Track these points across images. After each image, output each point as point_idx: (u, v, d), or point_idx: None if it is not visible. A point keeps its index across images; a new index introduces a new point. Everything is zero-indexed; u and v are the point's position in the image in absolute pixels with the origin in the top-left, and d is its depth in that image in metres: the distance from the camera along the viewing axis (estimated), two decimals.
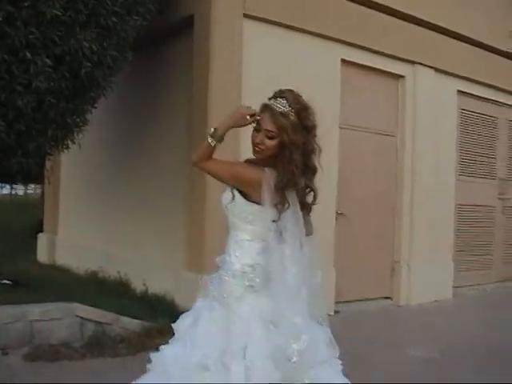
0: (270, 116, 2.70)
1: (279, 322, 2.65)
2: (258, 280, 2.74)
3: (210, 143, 2.80)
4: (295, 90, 2.77)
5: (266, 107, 2.74)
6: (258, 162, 2.79)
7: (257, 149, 2.76)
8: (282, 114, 2.68)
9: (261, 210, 2.72)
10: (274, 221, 2.67)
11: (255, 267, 2.76)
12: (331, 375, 2.76)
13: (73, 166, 9.87)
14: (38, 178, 12.65)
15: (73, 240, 9.80)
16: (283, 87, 2.82)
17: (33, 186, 25.12)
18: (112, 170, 8.84)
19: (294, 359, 2.58)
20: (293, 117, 2.69)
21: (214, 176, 2.87)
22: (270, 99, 2.75)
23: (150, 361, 2.86)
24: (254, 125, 2.77)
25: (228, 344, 2.64)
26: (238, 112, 2.79)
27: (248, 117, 2.75)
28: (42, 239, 10.74)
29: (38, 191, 19.11)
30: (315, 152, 2.75)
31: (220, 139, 2.81)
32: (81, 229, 9.71)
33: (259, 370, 2.57)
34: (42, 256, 10.45)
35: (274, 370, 2.59)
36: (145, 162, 8.02)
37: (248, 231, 2.80)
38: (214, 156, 2.86)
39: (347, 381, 2.82)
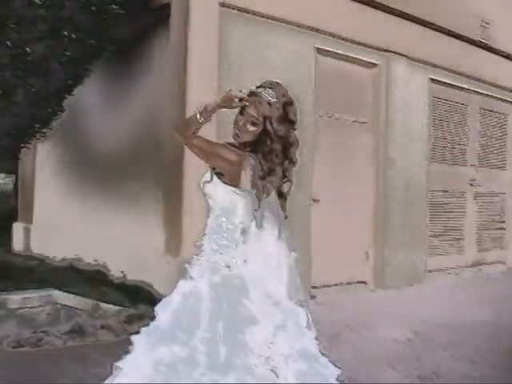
0: (256, 103, 2.79)
1: (260, 303, 2.75)
2: (234, 261, 2.82)
3: (198, 119, 2.86)
4: (282, 84, 2.87)
5: (254, 94, 2.82)
6: (238, 146, 2.86)
7: (237, 132, 2.84)
8: (269, 104, 2.77)
9: (239, 194, 2.81)
10: (255, 210, 2.77)
11: (232, 248, 2.84)
12: (310, 355, 2.86)
13: (48, 155, 9.82)
14: (9, 168, 12.56)
15: (48, 229, 9.76)
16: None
17: (3, 175, 24.69)
18: (89, 159, 8.83)
19: (273, 340, 2.69)
20: (278, 108, 2.79)
21: (197, 152, 2.89)
22: (258, 88, 2.83)
23: (131, 343, 2.92)
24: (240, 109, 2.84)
25: (198, 322, 2.72)
26: (229, 94, 2.85)
27: (236, 100, 2.83)
28: (18, 228, 10.67)
29: (8, 181, 18.79)
30: (295, 145, 2.85)
31: (208, 117, 2.86)
32: (56, 217, 9.67)
33: (230, 345, 2.65)
34: (18, 245, 10.38)
35: (247, 347, 2.66)
36: (123, 150, 8.02)
37: (225, 214, 2.87)
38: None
39: (326, 358, 2.92)
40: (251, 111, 2.80)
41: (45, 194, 10.12)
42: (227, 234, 2.86)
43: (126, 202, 7.88)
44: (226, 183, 2.83)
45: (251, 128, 2.81)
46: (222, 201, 2.86)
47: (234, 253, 2.84)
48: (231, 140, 2.91)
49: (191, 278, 2.89)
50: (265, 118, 2.78)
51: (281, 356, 2.71)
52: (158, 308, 2.97)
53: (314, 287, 7.58)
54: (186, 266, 2.94)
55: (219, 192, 2.85)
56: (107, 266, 7.93)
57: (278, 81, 2.89)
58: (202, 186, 2.92)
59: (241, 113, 2.84)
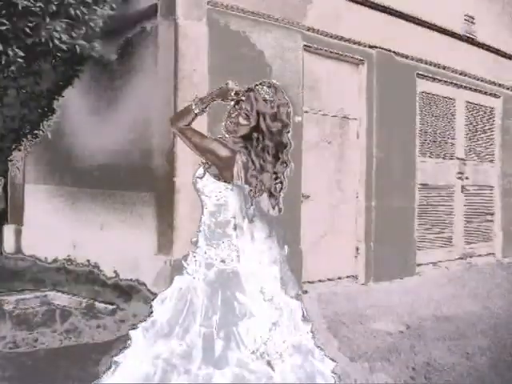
0: (252, 98, 2.83)
1: (254, 298, 2.79)
2: (228, 255, 2.86)
3: (192, 110, 2.88)
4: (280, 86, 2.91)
5: (251, 90, 2.86)
6: (230, 142, 2.89)
7: (228, 124, 2.89)
8: (265, 101, 2.82)
9: (231, 189, 2.85)
10: (247, 207, 2.82)
11: (226, 243, 2.88)
12: (305, 348, 2.91)
13: (38, 156, 9.80)
14: None
15: (39, 230, 9.75)
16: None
17: None
18: (80, 160, 8.81)
19: (269, 335, 2.75)
20: (273, 107, 2.82)
21: (189, 144, 2.89)
22: (256, 85, 2.87)
23: (129, 339, 2.93)
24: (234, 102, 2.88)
25: (194, 317, 2.77)
26: (226, 86, 2.89)
27: (232, 93, 2.87)
28: (8, 230, 10.65)
29: None
30: (288, 147, 2.89)
31: (203, 109, 2.90)
32: (47, 218, 9.65)
33: (225, 338, 2.69)
34: (9, 247, 10.36)
35: (241, 341, 2.71)
36: (114, 151, 8.01)
37: (218, 210, 2.91)
38: None
39: (321, 352, 2.97)
40: (246, 105, 2.84)
41: (35, 195, 10.10)
42: (220, 229, 2.90)
43: (117, 202, 7.87)
44: (218, 179, 2.87)
45: (243, 121, 2.84)
46: (215, 196, 2.89)
47: (228, 247, 2.88)
48: (224, 135, 2.94)
49: (187, 273, 2.93)
50: (259, 113, 2.81)
51: (276, 350, 2.76)
52: (154, 303, 3.01)
53: (306, 282, 7.63)
54: (182, 261, 2.99)
55: (211, 188, 2.88)
56: (100, 266, 7.93)
57: (276, 82, 2.93)
58: (194, 181, 2.94)
59: (235, 106, 2.88)
